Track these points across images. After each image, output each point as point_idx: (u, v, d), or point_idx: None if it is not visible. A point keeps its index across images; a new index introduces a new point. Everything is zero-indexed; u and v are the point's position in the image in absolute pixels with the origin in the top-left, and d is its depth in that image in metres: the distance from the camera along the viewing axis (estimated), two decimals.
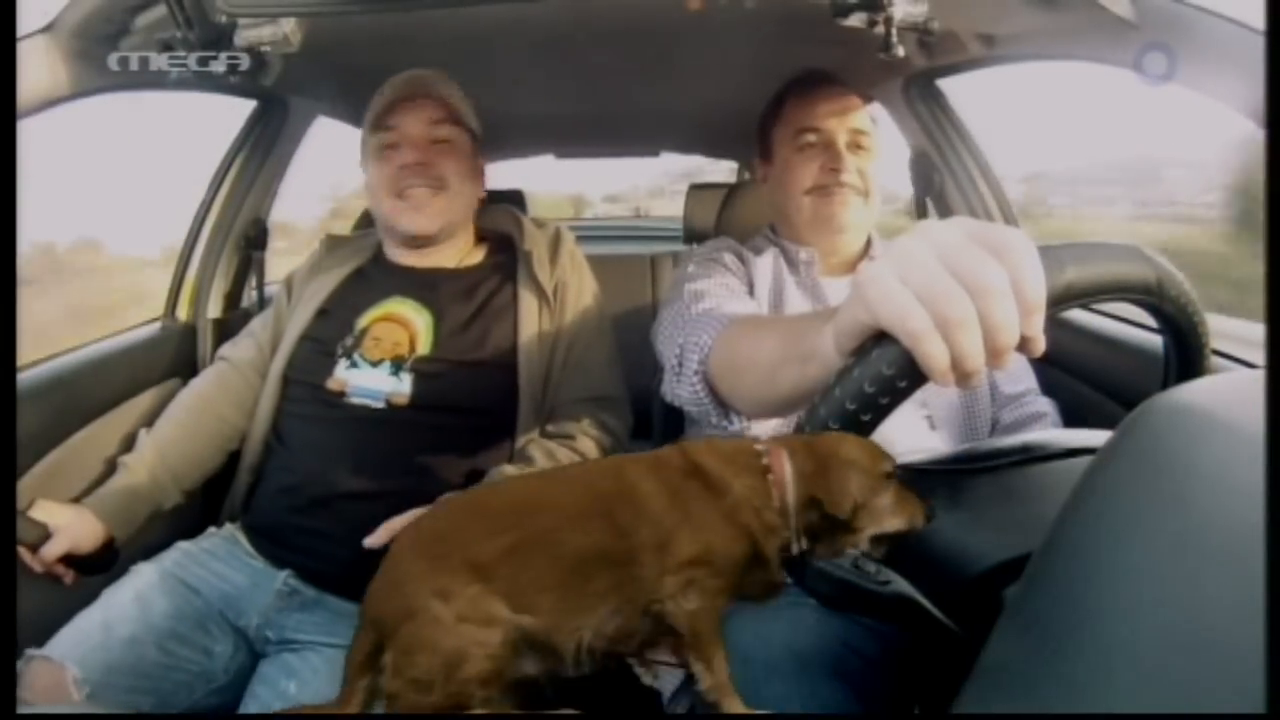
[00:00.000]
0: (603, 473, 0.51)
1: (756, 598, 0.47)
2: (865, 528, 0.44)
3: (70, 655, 0.76)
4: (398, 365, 0.94)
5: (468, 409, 0.94)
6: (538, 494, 0.53)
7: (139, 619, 0.81)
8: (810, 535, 0.45)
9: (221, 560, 0.91)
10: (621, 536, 0.47)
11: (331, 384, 0.94)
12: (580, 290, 1.06)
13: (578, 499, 0.49)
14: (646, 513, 0.46)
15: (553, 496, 0.51)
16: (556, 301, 1.03)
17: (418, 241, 1.03)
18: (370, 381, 0.93)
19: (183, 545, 0.93)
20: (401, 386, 0.93)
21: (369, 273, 1.06)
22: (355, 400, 0.93)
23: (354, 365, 0.95)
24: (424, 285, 1.01)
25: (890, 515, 0.44)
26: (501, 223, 1.12)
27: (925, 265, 0.39)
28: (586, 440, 0.95)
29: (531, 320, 1.00)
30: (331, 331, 0.99)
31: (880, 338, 0.41)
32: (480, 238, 1.11)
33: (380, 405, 0.92)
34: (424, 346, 0.95)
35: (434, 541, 0.53)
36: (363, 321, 0.98)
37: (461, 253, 1.07)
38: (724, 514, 0.45)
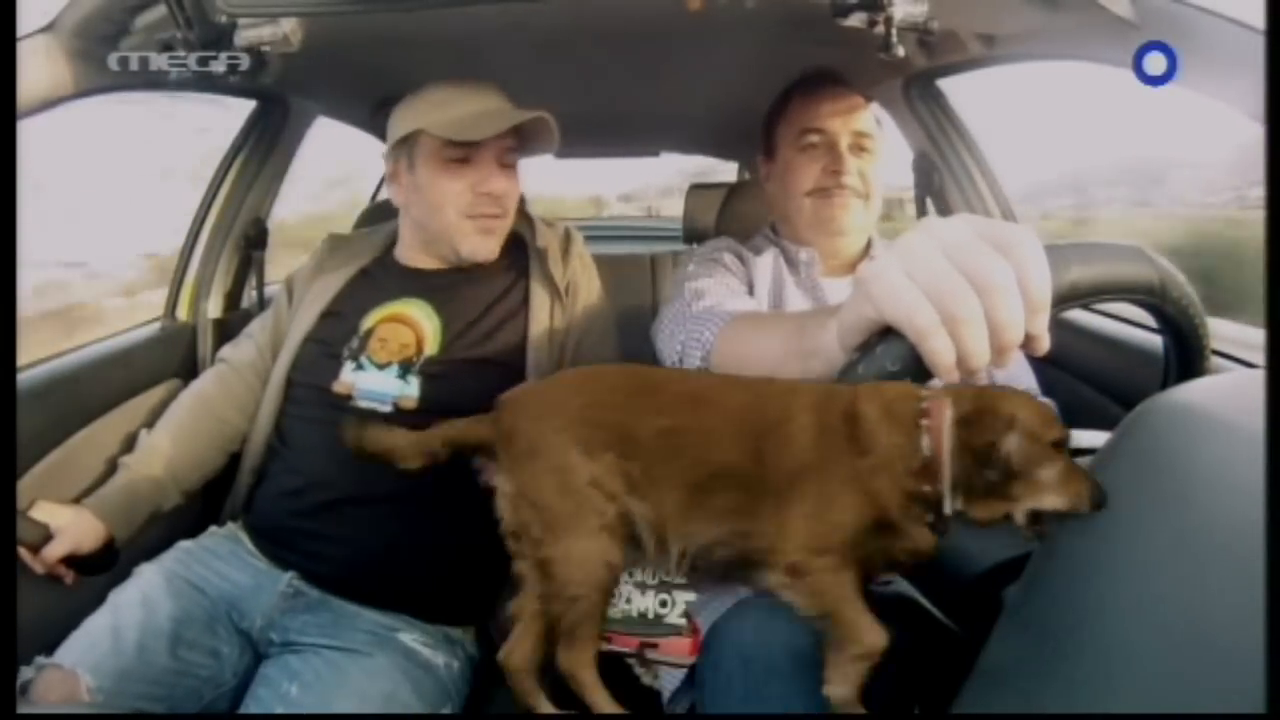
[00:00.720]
0: (774, 396, 0.49)
1: (903, 566, 0.45)
2: (1022, 498, 0.40)
3: (82, 663, 0.75)
4: (406, 368, 0.93)
5: (476, 411, 0.93)
6: (711, 393, 0.51)
7: (147, 623, 0.80)
8: (968, 494, 0.42)
9: (223, 559, 0.90)
10: (760, 467, 0.45)
11: (338, 387, 0.93)
12: (589, 291, 1.05)
13: (741, 414, 0.48)
14: (792, 447, 0.45)
15: (722, 400, 0.49)
16: (569, 299, 1.02)
17: (469, 263, 1.00)
18: (378, 384, 0.92)
19: (184, 544, 0.92)
20: (409, 390, 0.91)
21: (375, 274, 1.05)
22: (362, 404, 0.91)
23: (360, 368, 0.94)
24: (433, 287, 0.99)
25: (1052, 491, 0.39)
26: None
27: (932, 261, 0.39)
28: None
29: (543, 317, 0.99)
30: (337, 333, 0.97)
31: (885, 334, 0.41)
32: None
33: (388, 409, 0.91)
34: (432, 348, 0.94)
35: (606, 392, 0.52)
36: (368, 322, 0.97)
37: None
38: (857, 475, 0.43)
